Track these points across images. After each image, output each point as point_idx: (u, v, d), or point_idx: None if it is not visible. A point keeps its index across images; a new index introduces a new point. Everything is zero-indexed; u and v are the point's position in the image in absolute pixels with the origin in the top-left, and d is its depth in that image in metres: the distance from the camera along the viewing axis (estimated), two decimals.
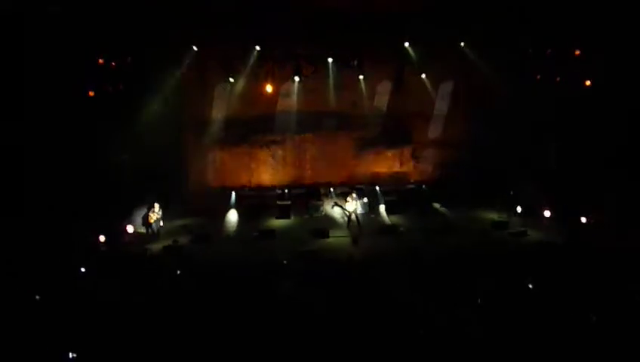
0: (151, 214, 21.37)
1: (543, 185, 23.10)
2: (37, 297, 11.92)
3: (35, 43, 19.06)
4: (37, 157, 19.59)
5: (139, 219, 22.45)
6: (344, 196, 22.34)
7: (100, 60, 21.45)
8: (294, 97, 26.81)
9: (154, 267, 15.59)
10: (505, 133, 24.52)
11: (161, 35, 21.78)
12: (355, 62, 25.36)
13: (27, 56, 19.06)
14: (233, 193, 26.41)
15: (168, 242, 20.17)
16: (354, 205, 21.86)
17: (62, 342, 9.92)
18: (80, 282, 13.52)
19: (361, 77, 26.54)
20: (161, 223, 21.67)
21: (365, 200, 22.72)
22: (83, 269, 14.52)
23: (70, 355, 9.64)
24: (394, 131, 27.89)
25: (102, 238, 19.76)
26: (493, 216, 22.95)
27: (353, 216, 21.89)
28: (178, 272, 14.53)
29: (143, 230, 21.82)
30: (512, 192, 23.58)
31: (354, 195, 22.10)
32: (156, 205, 21.46)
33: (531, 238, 19.78)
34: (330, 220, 23.73)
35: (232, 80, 25.63)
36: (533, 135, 25.25)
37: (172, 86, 24.54)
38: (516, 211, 23.04)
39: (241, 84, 25.83)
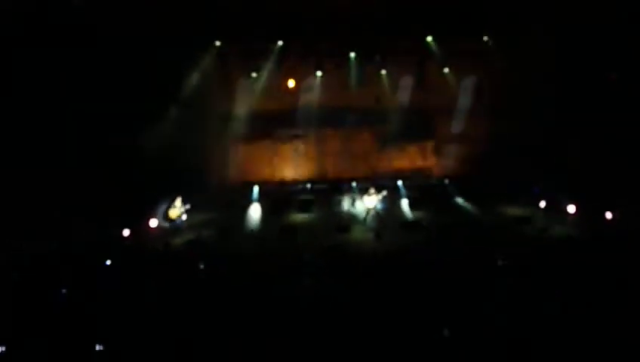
0: (172, 209, 21.47)
1: (567, 181, 22.88)
2: (64, 291, 12.06)
3: (57, 36, 19.22)
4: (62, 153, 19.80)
5: (162, 214, 22.64)
6: (366, 191, 22.25)
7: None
8: (316, 92, 26.81)
9: (176, 261, 15.71)
10: (528, 128, 24.30)
11: (186, 29, 21.83)
12: (378, 58, 25.31)
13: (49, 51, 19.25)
14: (256, 187, 26.49)
15: (191, 236, 20.34)
16: (374, 200, 21.75)
17: (88, 335, 10.04)
18: (105, 275, 13.66)
19: (383, 72, 26.46)
20: (184, 217, 21.76)
21: (385, 193, 22.58)
22: (108, 262, 14.66)
23: (97, 347, 9.77)
24: (416, 126, 27.73)
25: (126, 232, 19.95)
26: (517, 211, 22.77)
27: (373, 212, 21.79)
28: (201, 266, 14.61)
29: (166, 225, 21.98)
30: (535, 188, 23.37)
31: (372, 191, 21.99)
32: (178, 200, 21.55)
33: (555, 233, 19.60)
34: (353, 215, 23.72)
35: (254, 75, 25.71)
36: (557, 130, 25.04)
37: (195, 80, 24.73)
38: (540, 207, 22.88)
39: (263, 79, 25.84)
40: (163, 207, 22.60)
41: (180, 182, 22.45)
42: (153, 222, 21.84)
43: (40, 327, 10.39)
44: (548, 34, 22.37)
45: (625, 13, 19.87)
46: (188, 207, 21.58)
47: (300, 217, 23.82)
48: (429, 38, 24.75)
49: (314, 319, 10.10)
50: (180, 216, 21.59)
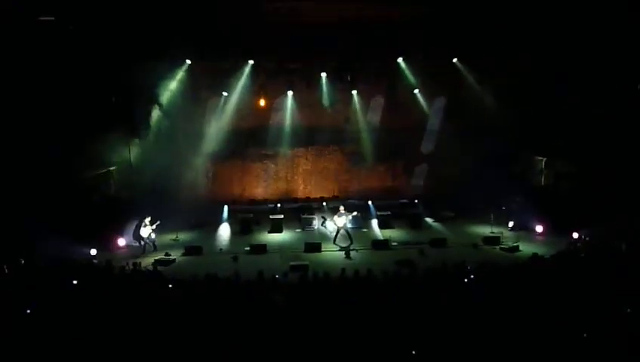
0: (143, 228, 21.24)
1: (534, 201, 23.20)
2: (27, 311, 11.79)
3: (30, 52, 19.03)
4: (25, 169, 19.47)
5: (131, 233, 22.41)
6: (336, 211, 22.24)
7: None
8: (287, 111, 26.91)
9: (145, 281, 15.49)
10: (496, 149, 24.63)
11: (156, 48, 21.77)
12: (349, 78, 25.48)
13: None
14: (226, 206, 26.37)
15: (160, 256, 20.14)
16: (344, 220, 21.74)
17: (52, 354, 9.84)
18: (71, 295, 13.41)
19: (354, 92, 26.68)
20: (153, 236, 21.52)
21: (355, 214, 22.62)
22: (75, 282, 14.39)
23: None
24: (386, 146, 27.94)
25: (93, 251, 19.66)
26: (485, 231, 22.98)
27: (343, 231, 21.77)
28: (170, 286, 14.44)
29: (136, 243, 21.76)
30: (503, 207, 23.64)
31: (342, 210, 21.99)
32: (147, 219, 21.35)
33: (523, 253, 19.81)
34: (323, 234, 23.69)
35: (225, 94, 25.72)
36: (525, 151, 25.45)
37: (165, 99, 24.67)
38: (508, 226, 23.15)
39: (234, 98, 25.88)
40: (132, 226, 22.39)
41: (149, 202, 22.23)
42: (121, 241, 21.61)
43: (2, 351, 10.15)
44: (517, 56, 22.82)
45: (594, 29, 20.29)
46: (158, 223, 21.35)
47: (269, 236, 23.71)
48: (400, 60, 25.04)
49: (284, 338, 10.03)
50: (150, 235, 21.35)
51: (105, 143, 22.56)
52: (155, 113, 24.74)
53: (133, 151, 24.48)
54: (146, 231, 21.18)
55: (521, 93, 23.30)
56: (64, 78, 19.82)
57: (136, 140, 24.43)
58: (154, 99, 24.57)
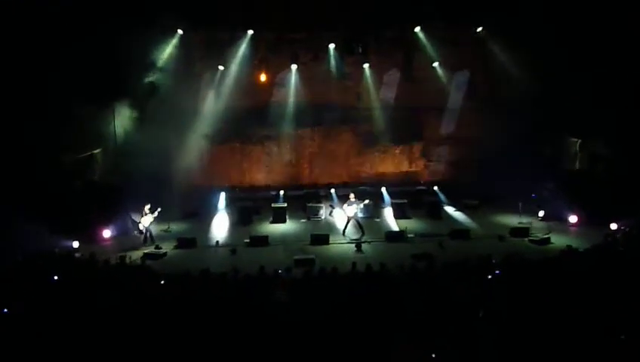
0: (144, 217, 21.26)
1: (569, 187, 23.10)
2: (5, 311, 11.86)
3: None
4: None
5: (126, 224, 22.51)
6: (346, 199, 22.21)
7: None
8: (291, 88, 26.84)
9: (133, 276, 15.54)
10: (526, 130, 24.50)
11: (145, 14, 21.68)
12: (360, 49, 25.35)
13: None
14: (223, 194, 26.40)
15: (150, 249, 20.21)
16: (354, 209, 21.72)
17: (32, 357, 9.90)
18: (50, 292, 13.47)
19: (366, 65, 26.56)
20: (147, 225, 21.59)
21: (367, 202, 22.60)
22: (56, 277, 14.45)
23: None
24: (402, 126, 27.87)
25: (75, 244, 19.74)
26: (513, 221, 22.94)
27: (353, 222, 21.76)
28: (162, 282, 14.48)
29: (137, 233, 21.97)
30: (533, 195, 23.56)
31: (352, 198, 21.98)
32: (146, 207, 21.36)
33: (555, 246, 19.78)
34: (331, 225, 23.72)
35: (221, 68, 25.65)
36: (558, 133, 25.27)
37: (155, 75, 24.55)
38: (538, 216, 23.10)
39: (232, 72, 25.84)
40: (127, 216, 22.52)
41: (138, 188, 22.27)
42: (106, 233, 21.67)
43: None
44: (548, 21, 22.57)
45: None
46: (159, 210, 21.38)
47: (271, 227, 23.76)
48: (418, 28, 24.88)
49: (287, 341, 10.04)
50: (152, 224, 21.38)
51: (88, 121, 22.47)
52: (147, 84, 24.52)
53: (119, 133, 24.43)
54: (147, 219, 21.21)
55: (553, 66, 23.10)
56: (39, 50, 19.80)
57: (124, 118, 24.29)
58: (148, 66, 24.35)
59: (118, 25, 21.03)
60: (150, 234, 21.54)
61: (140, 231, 21.60)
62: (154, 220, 21.49)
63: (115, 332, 10.55)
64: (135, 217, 22.55)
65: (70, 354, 9.96)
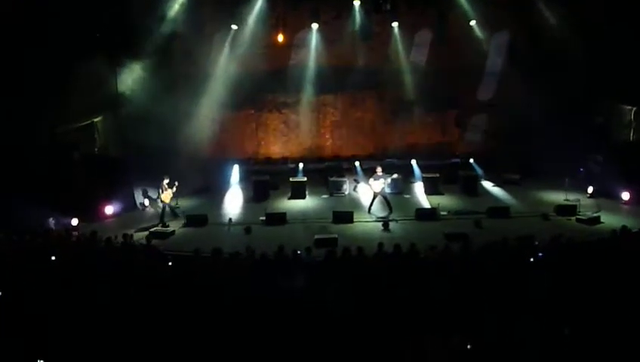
0: (165, 192, 21.28)
1: (620, 161, 22.83)
2: None
3: None
4: None
5: (130, 200, 22.62)
6: (372, 173, 22.12)
7: None
8: (312, 49, 26.69)
9: (138, 257, 15.60)
10: (574, 98, 24.19)
11: None
12: (388, 6, 25.09)
13: None
14: (236, 167, 26.40)
15: (156, 227, 20.28)
16: (381, 184, 21.61)
17: (26, 350, 9.95)
18: (48, 273, 13.55)
19: (394, 24, 26.31)
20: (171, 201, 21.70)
21: (395, 176, 22.49)
22: (53, 258, 14.53)
23: None
24: (435, 92, 27.61)
25: (74, 221, 19.83)
26: (558, 197, 22.74)
27: (380, 197, 21.68)
28: (169, 264, 14.52)
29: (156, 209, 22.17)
30: (581, 169, 23.33)
31: (379, 172, 21.84)
32: (165, 181, 21.26)
33: (605, 226, 19.60)
34: (355, 201, 23.66)
35: (234, 28, 25.51)
36: (610, 99, 24.93)
37: (162, 35, 24.47)
38: (587, 192, 22.86)
39: (246, 32, 25.70)
40: (145, 191, 22.68)
41: (143, 160, 22.33)
42: (109, 209, 21.74)
43: None
44: None
45: None
46: (177, 185, 21.37)
47: (290, 203, 23.76)
48: None
49: (306, 329, 10.02)
50: (173, 200, 21.43)
51: (88, 82, 22.44)
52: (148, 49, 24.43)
53: (122, 98, 24.43)
54: (166, 196, 21.23)
55: (605, 24, 22.74)
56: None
57: (127, 80, 24.27)
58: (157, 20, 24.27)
59: None
60: (172, 209, 21.62)
61: (161, 206, 21.58)
62: (173, 196, 21.53)
63: (117, 318, 10.58)
64: (151, 193, 22.60)
65: (68, 341, 9.99)
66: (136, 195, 22.88)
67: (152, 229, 19.89)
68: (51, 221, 18.97)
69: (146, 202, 22.99)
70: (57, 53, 20.28)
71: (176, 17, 24.46)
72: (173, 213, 21.64)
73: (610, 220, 20.00)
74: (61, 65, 20.61)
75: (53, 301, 11.38)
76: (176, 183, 21.29)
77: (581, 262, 13.28)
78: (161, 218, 21.11)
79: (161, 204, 21.30)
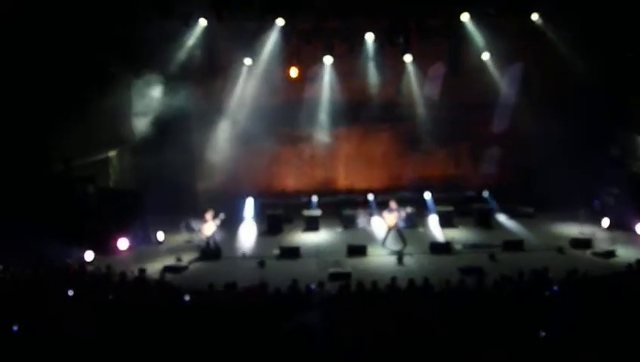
0: (206, 224, 21.45)
1: (636, 193, 22.78)
2: (14, 328, 11.99)
3: None
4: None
5: (145, 234, 22.71)
6: (386, 206, 22.14)
7: None
8: (325, 83, 26.83)
9: (154, 291, 15.67)
10: (589, 129, 24.20)
11: (160, 5, 21.90)
12: (401, 39, 25.24)
13: None
14: (250, 200, 26.49)
15: (170, 261, 20.34)
16: (394, 217, 21.66)
17: None
18: (65, 307, 13.62)
19: (407, 58, 26.44)
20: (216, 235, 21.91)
21: (409, 210, 22.54)
22: (71, 293, 14.61)
23: None
24: (449, 125, 27.64)
25: (89, 256, 19.92)
26: (573, 230, 22.68)
27: (394, 231, 21.70)
28: (186, 298, 14.57)
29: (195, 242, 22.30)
30: (596, 201, 23.29)
31: (393, 205, 21.90)
32: (209, 213, 21.54)
33: (621, 260, 19.53)
34: (369, 235, 23.68)
35: (248, 62, 25.72)
36: (625, 131, 24.94)
37: (176, 70, 24.72)
38: (602, 225, 22.79)
39: (259, 66, 25.89)
40: (188, 224, 23.01)
41: (158, 194, 22.46)
42: (123, 243, 21.82)
43: None
44: (611, 8, 22.30)
45: None
46: (222, 217, 21.64)
47: (304, 237, 23.81)
48: (465, 16, 24.72)
49: None
50: (215, 233, 21.62)
51: (103, 116, 22.68)
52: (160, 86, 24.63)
53: (136, 131, 24.64)
54: (209, 227, 21.43)
55: (619, 56, 22.81)
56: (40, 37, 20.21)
57: (140, 116, 24.50)
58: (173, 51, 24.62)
59: (130, 11, 21.36)
60: (215, 242, 21.71)
61: (201, 240, 21.78)
62: (216, 228, 21.64)
63: (132, 353, 10.65)
64: (195, 225, 22.86)
65: None
66: (150, 230, 22.94)
67: (165, 264, 19.90)
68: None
69: (191, 227, 23.27)
70: (72, 84, 20.58)
71: (191, 52, 24.71)
72: (215, 244, 21.70)
73: (625, 253, 19.95)
74: (77, 98, 20.89)
75: (70, 335, 11.44)
76: (221, 215, 21.50)
77: (597, 296, 13.25)
78: (206, 247, 21.38)
79: (203, 237, 21.46)
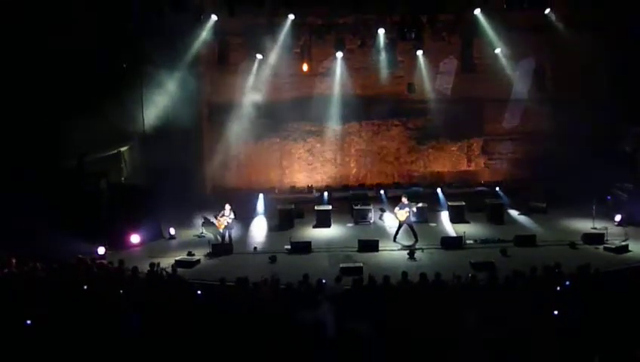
0: (220, 219, 21.57)
1: None
2: (28, 322, 12.04)
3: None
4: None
5: (156, 229, 22.78)
6: (396, 201, 22.11)
7: None
8: (336, 78, 26.82)
9: (165, 286, 15.70)
10: (601, 125, 24.11)
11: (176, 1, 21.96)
12: (412, 35, 25.19)
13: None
14: (261, 196, 26.53)
15: (181, 255, 20.38)
16: (406, 212, 21.66)
17: None
18: (79, 302, 13.67)
19: (419, 53, 26.40)
20: (233, 230, 22.05)
21: (421, 205, 22.51)
22: (85, 287, 14.66)
23: None
24: (460, 120, 27.64)
25: (101, 250, 20.02)
26: (586, 226, 22.61)
27: (405, 226, 21.68)
28: (198, 292, 14.59)
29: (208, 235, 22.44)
30: (609, 197, 23.20)
31: (404, 200, 21.89)
32: (227, 207, 21.63)
33: (634, 255, 19.49)
34: (381, 230, 23.67)
35: (259, 57, 25.72)
36: (636, 125, 24.82)
37: (187, 65, 24.73)
38: (615, 220, 22.74)
39: (271, 62, 25.90)
40: (205, 218, 23.07)
41: (169, 188, 22.50)
42: (135, 238, 21.88)
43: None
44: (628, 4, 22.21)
45: None
46: (231, 218, 21.72)
47: (315, 232, 23.84)
48: (477, 11, 24.65)
49: (331, 359, 10.05)
50: (228, 228, 21.66)
51: (113, 111, 22.73)
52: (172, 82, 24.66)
53: (147, 126, 24.70)
54: (221, 222, 21.55)
55: (632, 51, 22.70)
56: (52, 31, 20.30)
57: (152, 111, 24.54)
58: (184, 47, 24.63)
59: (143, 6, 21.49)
60: (230, 237, 21.81)
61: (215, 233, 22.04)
62: (232, 222, 21.79)
63: (144, 347, 10.68)
64: (211, 219, 22.97)
65: None
66: (162, 225, 22.99)
67: (177, 258, 19.96)
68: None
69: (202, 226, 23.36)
70: (85, 79, 20.67)
71: (203, 47, 24.76)
72: (230, 240, 21.79)
73: (638, 248, 19.86)
74: (90, 93, 20.97)
75: (84, 331, 11.48)
76: (230, 212, 21.64)
77: (609, 291, 13.21)
78: (222, 241, 21.61)
79: (222, 229, 21.58)
